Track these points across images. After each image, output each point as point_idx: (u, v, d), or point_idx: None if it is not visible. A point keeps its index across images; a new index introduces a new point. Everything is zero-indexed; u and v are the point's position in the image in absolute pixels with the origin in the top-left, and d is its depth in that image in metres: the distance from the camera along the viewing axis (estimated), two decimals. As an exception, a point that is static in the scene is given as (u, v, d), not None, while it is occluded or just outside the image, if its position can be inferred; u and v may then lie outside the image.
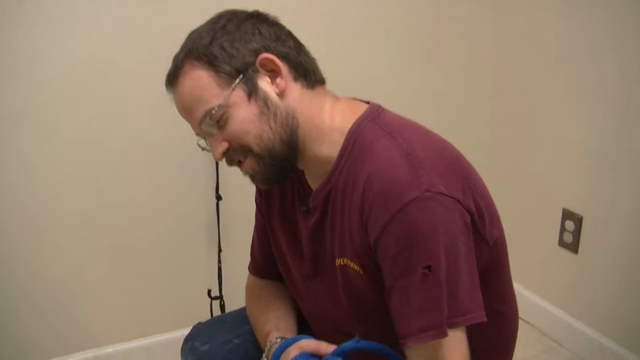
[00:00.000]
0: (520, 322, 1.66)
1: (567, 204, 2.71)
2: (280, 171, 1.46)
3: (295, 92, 1.44)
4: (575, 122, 2.62)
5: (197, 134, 1.48)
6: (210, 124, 1.41)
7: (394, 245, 1.29)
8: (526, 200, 2.90)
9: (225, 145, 1.43)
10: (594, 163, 2.57)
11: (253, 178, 1.49)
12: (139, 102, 2.42)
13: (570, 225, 2.68)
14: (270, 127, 1.40)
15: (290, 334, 1.64)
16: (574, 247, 2.69)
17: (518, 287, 1.54)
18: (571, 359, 2.72)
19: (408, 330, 1.29)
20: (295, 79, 1.44)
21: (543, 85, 2.75)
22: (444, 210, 1.28)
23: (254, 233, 1.83)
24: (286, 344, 1.53)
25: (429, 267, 1.26)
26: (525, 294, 2.89)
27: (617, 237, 2.53)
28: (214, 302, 2.62)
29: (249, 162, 1.45)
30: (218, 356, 1.72)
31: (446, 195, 1.29)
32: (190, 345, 1.77)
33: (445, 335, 1.27)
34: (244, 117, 1.40)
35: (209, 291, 2.62)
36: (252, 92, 1.40)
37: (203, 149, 1.51)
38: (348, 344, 1.44)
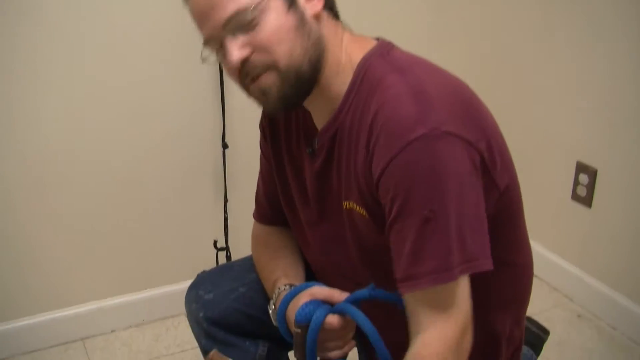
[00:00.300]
0: (531, 276, 1.62)
1: (581, 156, 2.65)
2: (297, 93, 1.36)
3: (325, 19, 1.38)
4: (591, 72, 2.56)
5: (208, 38, 1.36)
6: (238, 24, 1.30)
7: (394, 185, 1.24)
8: (539, 153, 2.84)
9: (247, 51, 1.32)
10: (609, 114, 2.51)
11: (266, 96, 1.36)
12: (145, 48, 2.37)
13: (584, 178, 2.63)
14: (301, 45, 1.32)
15: (299, 281, 1.59)
16: (587, 201, 2.64)
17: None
18: (582, 315, 2.69)
19: (406, 274, 1.25)
20: (324, 6, 1.38)
21: (558, 32, 2.68)
22: (451, 150, 1.23)
23: (258, 179, 1.78)
24: (296, 291, 1.49)
25: (430, 211, 1.21)
26: (537, 249, 2.84)
27: (632, 191, 2.48)
28: (220, 253, 2.59)
29: (269, 77, 1.33)
30: (223, 304, 1.69)
31: (455, 135, 1.23)
32: (194, 293, 1.73)
33: (446, 280, 1.23)
34: (281, 26, 1.31)
35: (215, 242, 2.59)
36: (292, 4, 1.32)
37: (204, 60, 1.40)
38: (362, 292, 1.39)
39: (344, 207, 1.43)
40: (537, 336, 2.09)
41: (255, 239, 1.79)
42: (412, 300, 1.27)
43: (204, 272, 1.80)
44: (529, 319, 1.75)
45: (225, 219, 2.57)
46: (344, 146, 1.39)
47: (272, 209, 1.74)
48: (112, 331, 2.64)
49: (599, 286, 2.65)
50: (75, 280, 2.55)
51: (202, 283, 1.75)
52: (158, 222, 2.60)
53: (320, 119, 1.46)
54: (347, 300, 1.40)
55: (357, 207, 1.38)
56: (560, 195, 2.77)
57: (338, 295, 1.42)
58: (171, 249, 2.64)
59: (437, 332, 1.25)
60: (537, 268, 1.64)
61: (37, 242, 2.44)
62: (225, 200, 2.56)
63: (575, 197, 2.70)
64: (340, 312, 1.40)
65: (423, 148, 1.20)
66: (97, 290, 2.60)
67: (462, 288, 1.26)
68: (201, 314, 1.69)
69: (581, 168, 2.64)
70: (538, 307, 2.68)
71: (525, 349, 2.01)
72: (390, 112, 1.25)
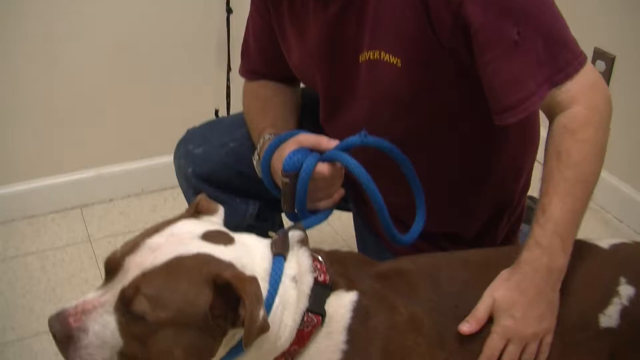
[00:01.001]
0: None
1: (598, 42, 2.57)
2: None
3: None
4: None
5: None
6: None
7: (479, 16, 1.22)
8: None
9: None
10: (630, -2, 2.42)
11: None
12: None
13: (601, 65, 2.56)
14: None
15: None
16: (603, 89, 2.57)
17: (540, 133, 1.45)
18: (591, 207, 2.63)
19: (531, 89, 1.25)
20: None
21: None
22: None
23: (247, 34, 1.70)
24: (281, 139, 1.43)
25: (525, 24, 1.23)
26: (548, 139, 2.80)
27: (651, 80, 2.41)
28: (221, 122, 2.55)
29: None
30: (212, 159, 1.64)
31: None
32: (183, 148, 1.69)
33: (580, 67, 1.26)
34: None
35: (217, 111, 2.57)
36: None
37: None
38: (353, 139, 1.34)
39: (364, 58, 1.37)
40: (538, 213, 2.06)
41: (247, 93, 1.73)
42: (553, 102, 1.27)
43: (193, 127, 1.75)
44: (531, 197, 1.72)
45: (228, 87, 2.53)
46: None
47: (266, 64, 1.67)
48: (111, 200, 2.63)
49: (606, 177, 2.60)
50: (74, 146, 2.53)
51: (192, 138, 1.70)
52: (159, 90, 2.56)
53: None
54: (338, 148, 1.35)
55: (388, 57, 1.33)
56: (574, 83, 2.69)
57: (326, 143, 1.37)
58: (172, 117, 2.58)
59: (579, 107, 1.26)
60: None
61: (35, 106, 2.41)
62: (228, 69, 2.51)
63: (590, 85, 2.62)
64: (330, 160, 1.35)
65: None
66: (96, 157, 2.58)
67: (590, 71, 1.28)
68: (190, 170, 1.65)
69: (598, 54, 2.56)
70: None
71: (526, 228, 1.97)
72: None
